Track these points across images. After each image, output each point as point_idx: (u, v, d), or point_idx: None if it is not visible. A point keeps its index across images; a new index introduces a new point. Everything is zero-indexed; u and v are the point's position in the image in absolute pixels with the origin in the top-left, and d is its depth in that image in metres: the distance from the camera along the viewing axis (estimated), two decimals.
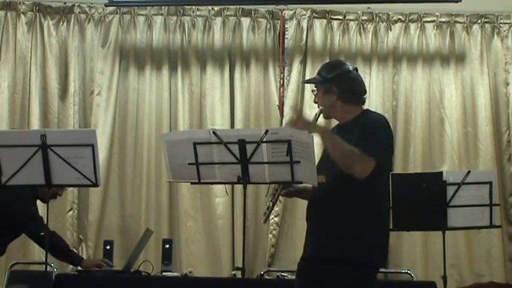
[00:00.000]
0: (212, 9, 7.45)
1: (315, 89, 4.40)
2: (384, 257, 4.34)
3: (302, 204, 4.79)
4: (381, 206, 4.24)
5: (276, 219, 7.21)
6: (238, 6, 7.44)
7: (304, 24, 7.46)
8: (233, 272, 6.19)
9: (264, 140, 3.84)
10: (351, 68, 4.41)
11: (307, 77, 7.34)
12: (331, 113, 4.37)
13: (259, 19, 7.48)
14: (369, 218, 4.14)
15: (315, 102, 4.40)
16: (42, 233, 5.13)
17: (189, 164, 3.94)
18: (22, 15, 7.35)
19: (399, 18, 7.51)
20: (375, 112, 4.48)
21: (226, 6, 7.44)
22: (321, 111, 4.34)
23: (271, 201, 4.44)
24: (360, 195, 4.10)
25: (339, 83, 4.32)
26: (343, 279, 4.08)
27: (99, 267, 5.73)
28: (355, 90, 4.34)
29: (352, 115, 4.32)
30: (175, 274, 6.07)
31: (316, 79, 4.40)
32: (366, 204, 4.15)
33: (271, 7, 7.45)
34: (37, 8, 7.37)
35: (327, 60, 7.40)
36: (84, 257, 6.80)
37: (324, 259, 4.12)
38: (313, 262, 4.18)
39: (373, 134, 4.16)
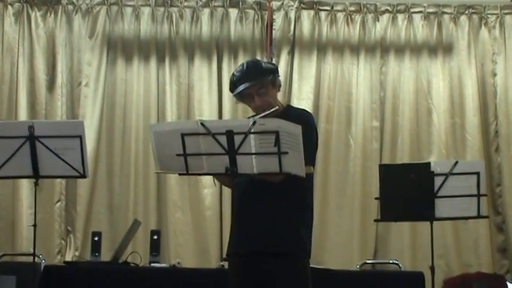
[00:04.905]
0: (200, 0, 7.44)
1: (259, 90, 4.24)
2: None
3: None
4: (312, 198, 4.24)
5: None
6: None
7: (292, 15, 7.45)
8: (221, 263, 6.19)
9: (252, 131, 3.82)
10: None
11: (295, 68, 7.40)
12: (271, 106, 4.22)
13: (247, 10, 7.47)
14: (309, 211, 4.17)
15: (257, 108, 4.22)
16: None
17: (176, 155, 3.91)
18: (9, 6, 7.32)
19: (387, 9, 7.52)
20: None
21: None
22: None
23: None
24: (300, 188, 4.08)
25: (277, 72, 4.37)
26: (298, 272, 4.07)
27: None
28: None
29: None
30: (164, 265, 6.08)
31: (268, 71, 4.34)
32: (306, 196, 4.16)
33: None
34: None
35: (315, 51, 7.43)
36: (72, 247, 6.81)
37: (273, 253, 4.04)
38: (258, 257, 4.05)
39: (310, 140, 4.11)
